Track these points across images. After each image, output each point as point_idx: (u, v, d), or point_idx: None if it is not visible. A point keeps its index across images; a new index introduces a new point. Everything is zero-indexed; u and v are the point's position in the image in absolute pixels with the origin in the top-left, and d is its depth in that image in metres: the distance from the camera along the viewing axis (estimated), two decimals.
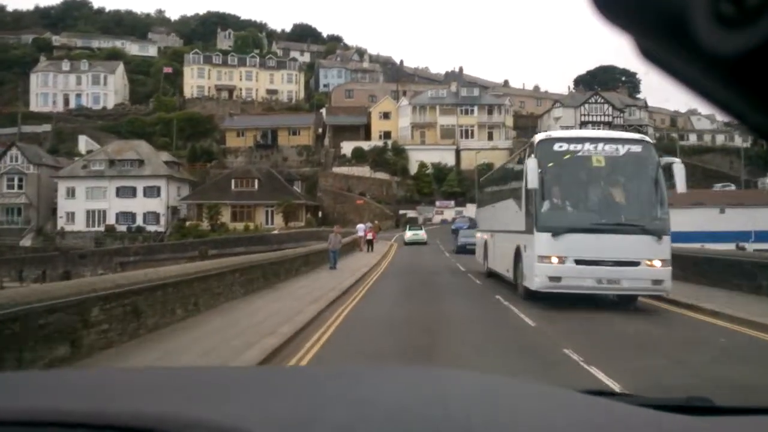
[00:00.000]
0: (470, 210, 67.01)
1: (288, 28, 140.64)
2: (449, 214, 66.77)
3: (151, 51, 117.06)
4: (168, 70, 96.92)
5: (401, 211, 65.39)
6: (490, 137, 74.00)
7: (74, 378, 1.62)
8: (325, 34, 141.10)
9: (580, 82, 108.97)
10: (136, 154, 62.91)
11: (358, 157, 71.34)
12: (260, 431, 0.91)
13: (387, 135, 74.21)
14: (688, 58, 0.42)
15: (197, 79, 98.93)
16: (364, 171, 69.78)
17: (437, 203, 67.44)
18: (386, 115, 76.59)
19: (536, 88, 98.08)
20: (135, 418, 0.91)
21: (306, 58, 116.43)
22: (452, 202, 67.57)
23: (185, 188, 65.56)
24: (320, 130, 79.42)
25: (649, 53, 0.46)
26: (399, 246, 41.24)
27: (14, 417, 0.96)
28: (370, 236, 35.03)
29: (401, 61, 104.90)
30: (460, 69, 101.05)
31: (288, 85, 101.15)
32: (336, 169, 70.63)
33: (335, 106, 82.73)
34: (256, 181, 62.07)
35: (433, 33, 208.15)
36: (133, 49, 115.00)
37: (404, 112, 75.40)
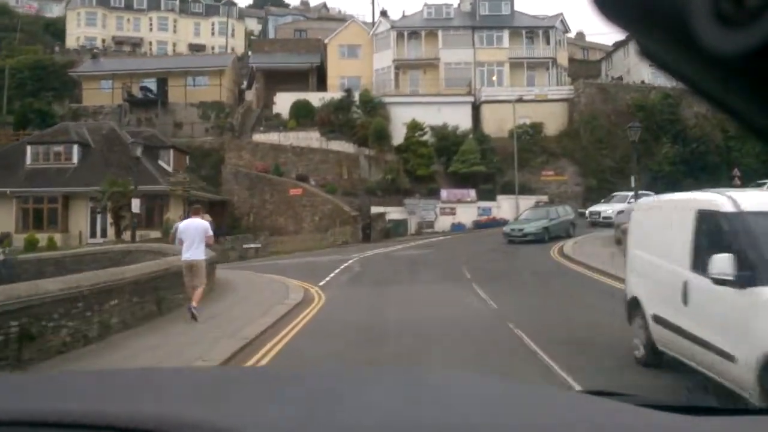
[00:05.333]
0: (504, 204, 35.56)
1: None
2: (467, 213, 35.28)
3: (56, 11, 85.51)
4: (30, 7, 65.79)
5: (375, 209, 33.91)
6: (532, 82, 42.81)
7: (74, 378, 1.61)
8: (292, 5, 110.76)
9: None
10: None
11: (301, 115, 40.01)
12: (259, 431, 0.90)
13: (355, 84, 42.91)
14: (689, 57, 0.41)
15: (86, 28, 67.96)
16: (308, 138, 38.37)
17: (444, 193, 35.96)
18: (352, 51, 45.30)
19: (580, 35, 67.32)
20: (135, 418, 0.90)
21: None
22: (472, 191, 36.10)
23: None
24: (245, 82, 48.23)
25: (649, 52, 0.45)
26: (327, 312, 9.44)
27: (14, 417, 0.95)
28: None
29: (383, 11, 73.19)
30: None
31: (220, 38, 69.94)
32: (258, 137, 39.16)
33: (270, 41, 51.63)
34: (76, 151, 30.51)
35: None
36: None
37: (383, 44, 44.15)
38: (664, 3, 0.41)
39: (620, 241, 19.12)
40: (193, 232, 10.54)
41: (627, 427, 1.08)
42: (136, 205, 17.86)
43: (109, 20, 68.81)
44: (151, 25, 69.52)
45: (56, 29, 72.89)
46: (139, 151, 17.70)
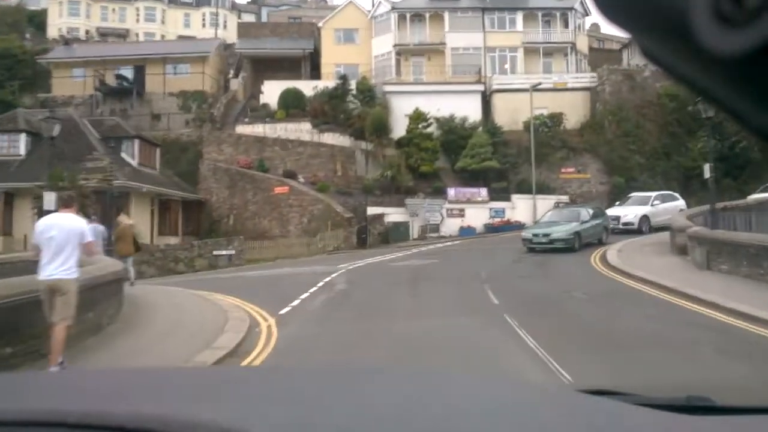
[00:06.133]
0: (520, 205, 31.26)
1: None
2: (478, 215, 30.88)
3: (44, 3, 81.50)
4: None
5: (372, 210, 29.54)
6: (548, 69, 38.43)
7: (74, 378, 1.61)
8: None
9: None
10: None
11: (291, 106, 35.70)
12: (260, 431, 0.92)
13: (352, 72, 38.48)
14: (689, 57, 0.41)
15: (68, 18, 63.99)
16: (298, 131, 34.07)
17: (451, 192, 31.54)
18: (349, 36, 40.98)
19: (594, 27, 62.89)
20: (135, 418, 0.90)
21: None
22: (483, 190, 31.69)
23: None
24: (232, 71, 43.94)
25: (649, 52, 0.45)
26: None
27: (14, 417, 0.94)
28: None
29: None
30: None
31: (211, 30, 65.79)
32: (242, 129, 34.85)
33: (259, 25, 47.53)
34: (23, 141, 26.22)
35: None
36: None
37: (383, 27, 39.85)
38: (663, 3, 0.41)
39: (686, 250, 14.70)
40: (60, 238, 6.29)
41: (626, 427, 1.07)
42: (49, 201, 13.55)
43: (93, 10, 64.79)
44: (137, 15, 65.43)
45: (41, 21, 69.05)
46: (56, 131, 13.38)
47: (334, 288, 13.06)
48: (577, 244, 19.14)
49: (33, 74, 44.38)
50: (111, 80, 40.13)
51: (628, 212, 24.60)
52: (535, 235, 19.62)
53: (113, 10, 65.33)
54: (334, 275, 15.50)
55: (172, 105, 39.55)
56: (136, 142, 27.90)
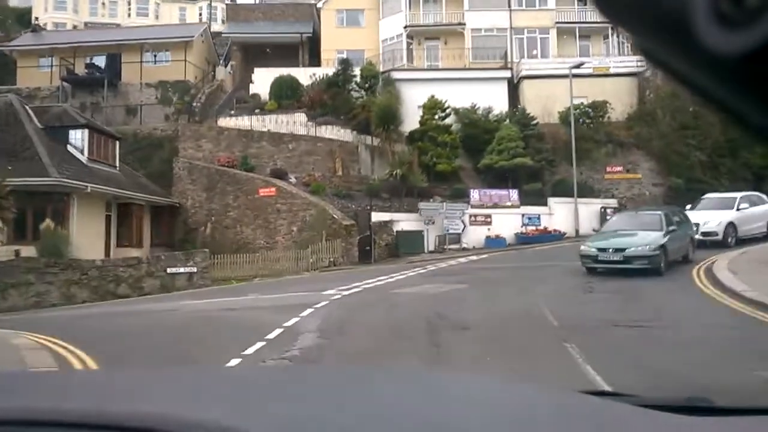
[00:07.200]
0: (559, 211, 25.55)
1: None
2: (508, 223, 25.17)
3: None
4: None
5: (378, 216, 23.93)
6: (585, 53, 32.76)
7: (74, 378, 1.60)
8: None
9: None
10: None
11: (284, 96, 30.32)
12: (260, 431, 0.93)
13: (358, 59, 33.03)
14: (688, 58, 0.41)
15: (54, 13, 59.24)
16: (292, 123, 28.66)
17: (474, 195, 25.87)
18: (353, 17, 35.65)
19: None
20: (134, 417, 0.91)
21: None
22: (514, 193, 25.97)
23: None
24: (222, 61, 38.80)
25: (648, 51, 0.45)
26: None
27: (14, 416, 0.95)
28: None
29: None
30: None
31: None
32: (225, 121, 29.49)
33: (250, 7, 42.46)
34: None
35: None
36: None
37: (392, 6, 34.43)
38: (663, 2, 0.41)
39: None
40: None
41: (627, 427, 1.07)
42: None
43: (81, 4, 60.12)
44: (129, 10, 60.70)
45: (30, 19, 64.82)
46: None
47: (293, 344, 7.49)
48: (662, 264, 13.45)
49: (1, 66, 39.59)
50: (82, 70, 35.13)
51: (708, 219, 18.71)
52: (602, 250, 13.89)
53: (103, 3, 60.67)
54: (308, 312, 9.96)
55: (151, 97, 34.44)
56: (85, 132, 22.55)
